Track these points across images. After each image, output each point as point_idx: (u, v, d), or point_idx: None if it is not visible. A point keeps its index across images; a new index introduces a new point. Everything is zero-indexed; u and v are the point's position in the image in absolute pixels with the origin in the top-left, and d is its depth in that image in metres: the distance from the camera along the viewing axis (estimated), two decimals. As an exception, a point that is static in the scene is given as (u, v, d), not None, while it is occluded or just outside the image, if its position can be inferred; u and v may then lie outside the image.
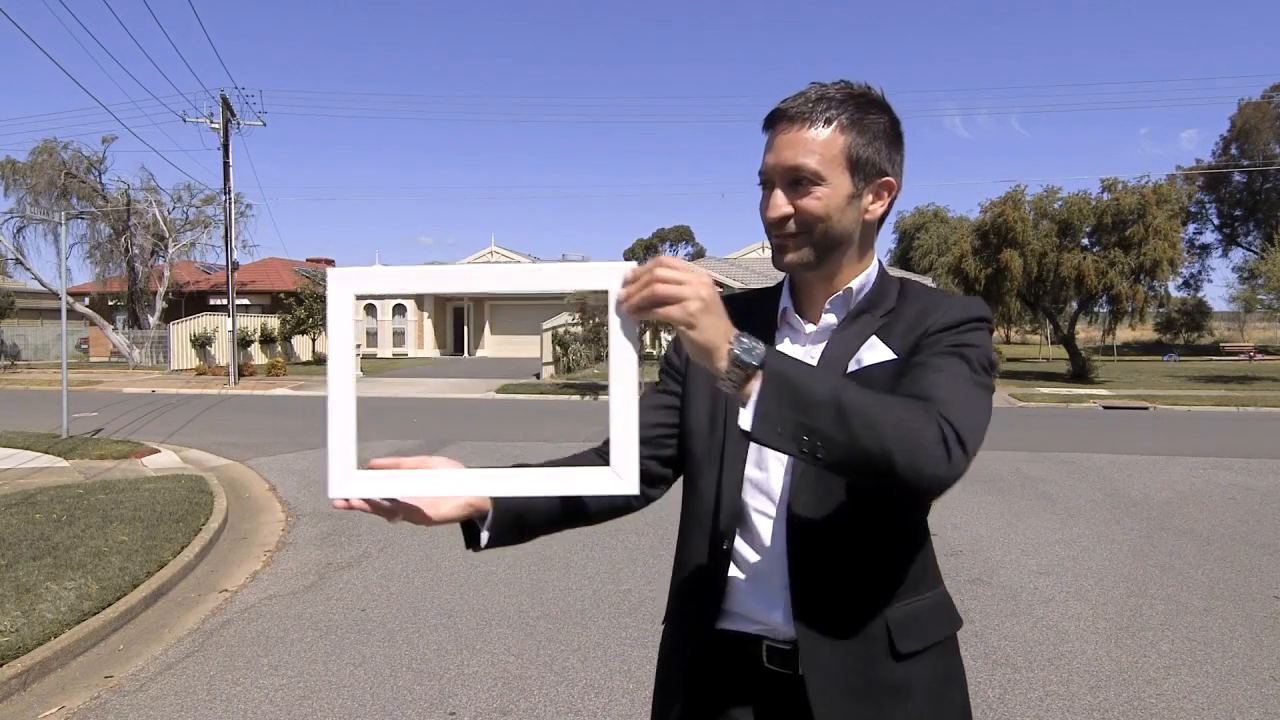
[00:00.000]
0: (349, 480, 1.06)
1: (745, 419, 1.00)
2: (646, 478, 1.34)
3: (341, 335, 1.07)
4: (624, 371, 1.05)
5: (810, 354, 1.29)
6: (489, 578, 5.39)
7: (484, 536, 1.22)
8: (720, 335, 0.99)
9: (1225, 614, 4.71)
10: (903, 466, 0.99)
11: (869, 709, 1.22)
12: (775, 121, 1.23)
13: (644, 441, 1.38)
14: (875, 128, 1.24)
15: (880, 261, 1.33)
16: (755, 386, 0.99)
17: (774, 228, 1.24)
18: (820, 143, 1.20)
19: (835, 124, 1.21)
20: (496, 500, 1.21)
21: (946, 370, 1.15)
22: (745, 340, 1.00)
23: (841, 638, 1.22)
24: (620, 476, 1.06)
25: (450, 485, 1.09)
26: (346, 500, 1.06)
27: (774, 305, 1.37)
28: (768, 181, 1.24)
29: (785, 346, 1.32)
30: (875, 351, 1.24)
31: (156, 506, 6.92)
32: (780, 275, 1.39)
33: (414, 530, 6.53)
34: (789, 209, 1.22)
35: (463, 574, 5.48)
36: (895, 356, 1.23)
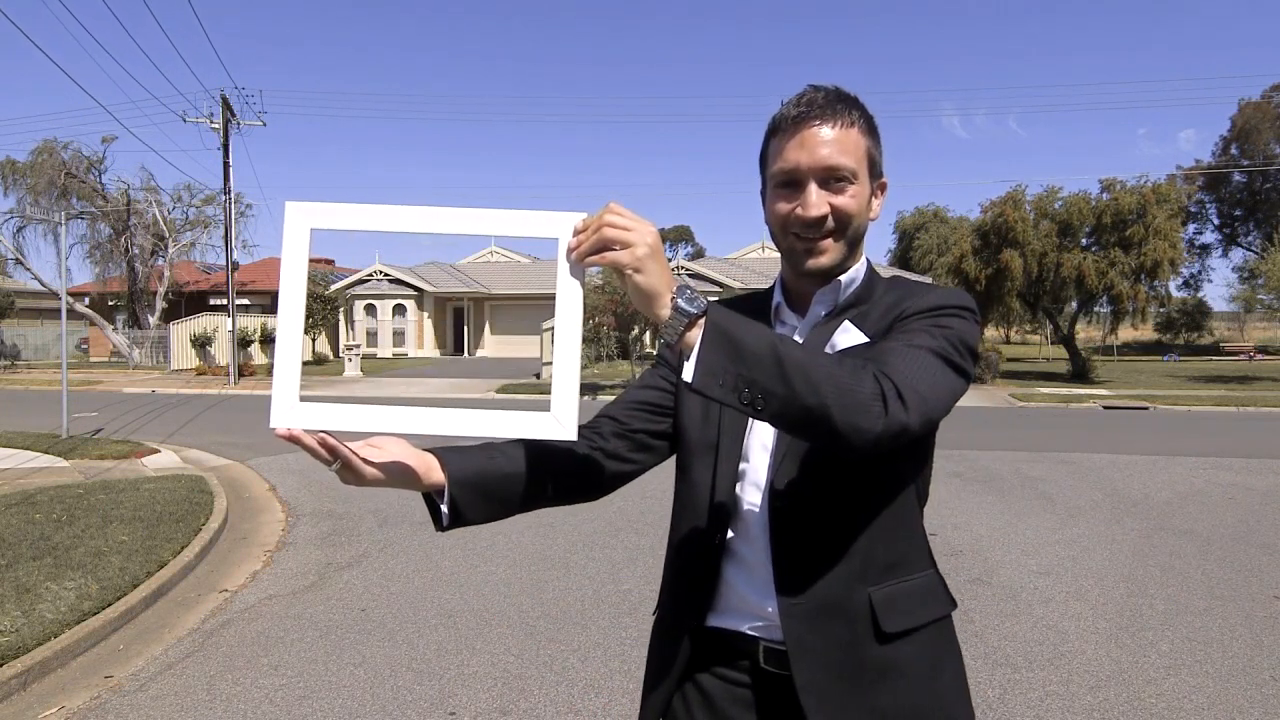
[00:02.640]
0: (292, 412, 1.07)
1: (687, 370, 1.00)
2: (633, 445, 1.38)
3: (295, 268, 1.07)
4: (568, 322, 1.07)
5: None
6: (489, 578, 5.39)
7: (444, 512, 1.22)
8: (664, 283, 1.01)
9: (1225, 614, 4.71)
10: (839, 419, 0.99)
11: (855, 689, 1.22)
12: (803, 120, 1.22)
13: (635, 411, 1.39)
14: (877, 131, 1.28)
15: (868, 259, 1.35)
16: (696, 336, 1.00)
17: (809, 227, 1.23)
18: (852, 142, 1.22)
19: (857, 125, 1.23)
20: (451, 474, 1.20)
21: (903, 340, 1.16)
22: (688, 290, 1.01)
23: (824, 618, 1.23)
24: (560, 422, 1.08)
25: (391, 422, 1.10)
26: (289, 430, 1.07)
27: (768, 302, 1.38)
28: (797, 181, 1.23)
29: None
30: (848, 335, 1.26)
31: (156, 506, 6.92)
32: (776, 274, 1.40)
33: (414, 530, 6.54)
34: (827, 207, 1.22)
35: (463, 574, 5.47)
36: (868, 340, 1.24)
